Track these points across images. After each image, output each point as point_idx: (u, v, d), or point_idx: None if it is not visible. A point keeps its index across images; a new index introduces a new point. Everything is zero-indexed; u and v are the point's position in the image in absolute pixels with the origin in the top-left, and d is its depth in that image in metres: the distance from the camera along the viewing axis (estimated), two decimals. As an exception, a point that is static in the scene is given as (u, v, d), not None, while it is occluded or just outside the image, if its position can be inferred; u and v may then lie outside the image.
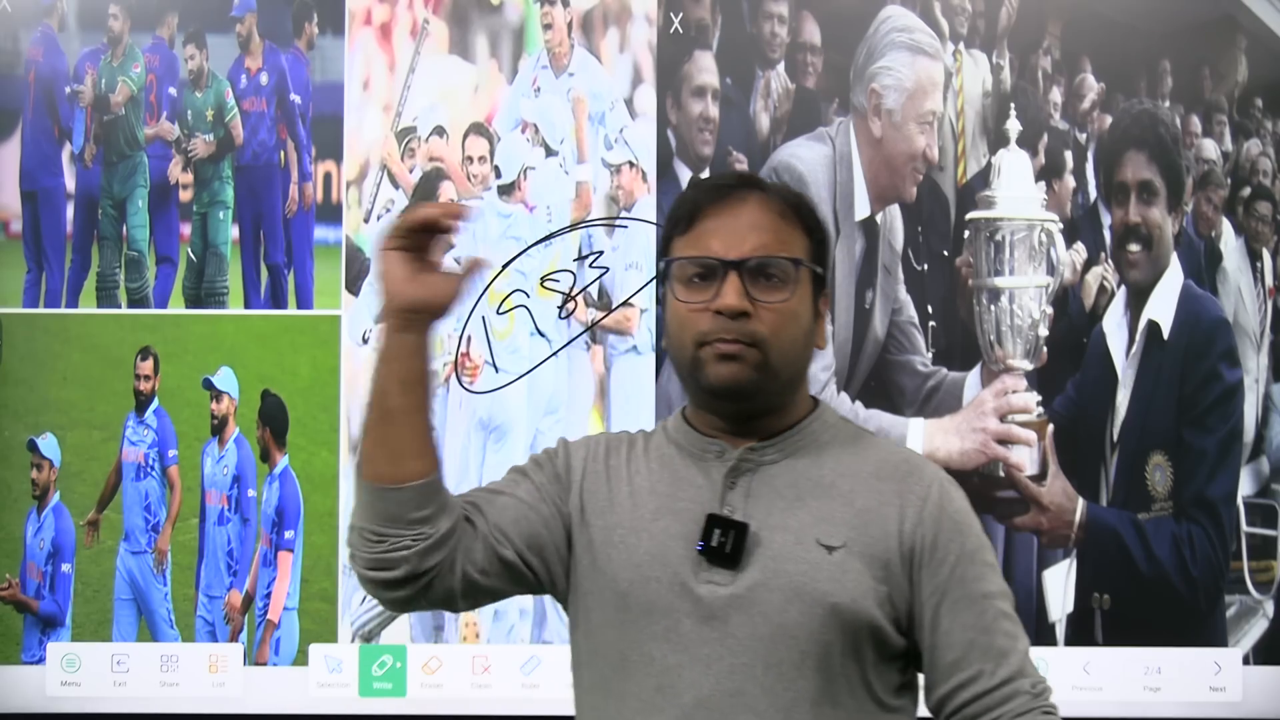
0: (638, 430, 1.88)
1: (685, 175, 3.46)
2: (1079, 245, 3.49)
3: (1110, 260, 3.50)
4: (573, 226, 3.45)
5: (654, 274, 1.88)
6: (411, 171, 3.46)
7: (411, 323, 1.72)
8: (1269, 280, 3.53)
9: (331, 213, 3.48)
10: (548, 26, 3.47)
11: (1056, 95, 3.51)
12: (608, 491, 1.79)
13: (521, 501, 1.79)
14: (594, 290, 3.44)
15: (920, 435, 3.42)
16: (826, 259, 1.82)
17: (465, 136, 3.47)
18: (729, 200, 1.76)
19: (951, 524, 1.74)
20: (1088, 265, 3.49)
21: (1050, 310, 3.46)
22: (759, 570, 1.70)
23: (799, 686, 1.69)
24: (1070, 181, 3.50)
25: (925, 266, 3.49)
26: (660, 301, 1.85)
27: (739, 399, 1.74)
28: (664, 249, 1.81)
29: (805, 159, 3.44)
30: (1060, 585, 3.46)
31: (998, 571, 1.77)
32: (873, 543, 1.72)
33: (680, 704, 1.69)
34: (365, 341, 3.45)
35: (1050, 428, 3.45)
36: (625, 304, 3.40)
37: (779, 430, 1.78)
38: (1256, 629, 3.49)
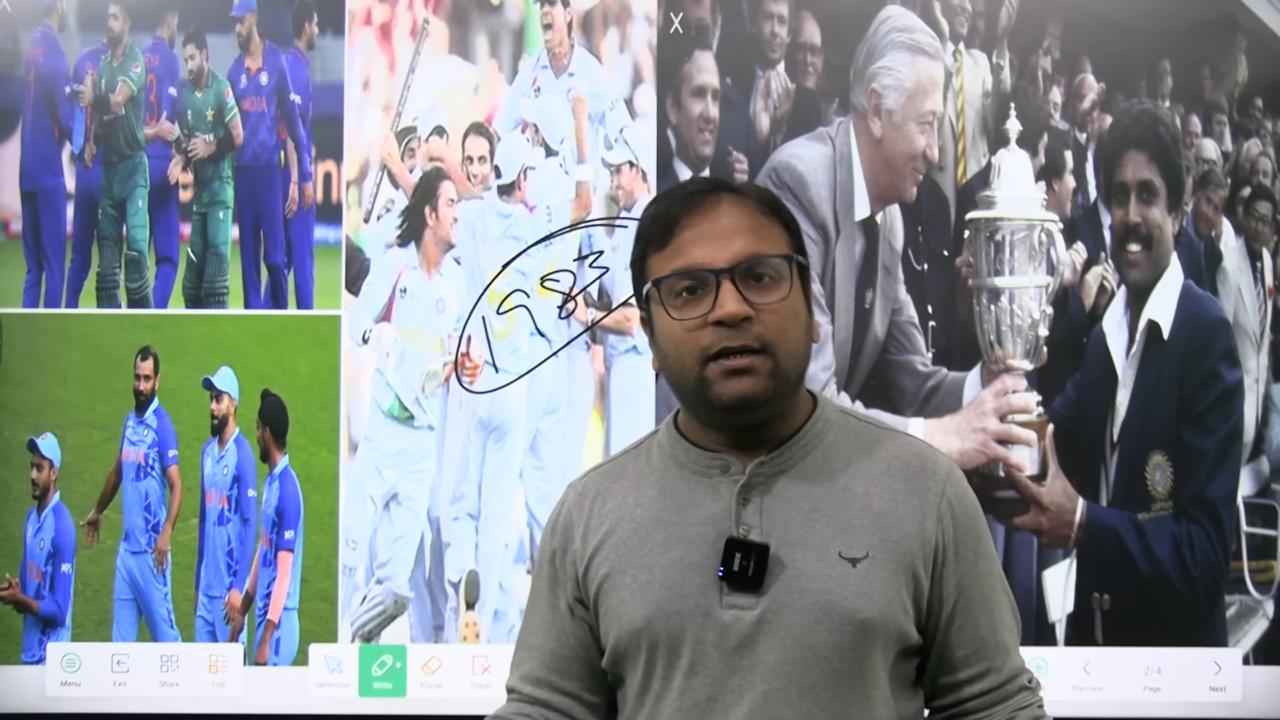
0: (626, 452, 1.83)
1: (685, 175, 3.46)
2: (1079, 245, 3.49)
3: (1110, 260, 3.50)
4: (573, 226, 3.45)
5: (635, 291, 1.78)
6: (411, 171, 3.46)
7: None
8: (1269, 280, 3.53)
9: (331, 213, 3.48)
10: (548, 26, 3.47)
11: (1056, 95, 3.51)
12: (612, 542, 1.75)
13: (561, 645, 1.78)
14: (594, 290, 3.44)
15: (920, 435, 3.41)
16: (805, 252, 1.76)
17: (465, 136, 3.47)
18: (703, 206, 1.70)
19: (968, 520, 1.74)
20: (1088, 265, 3.49)
21: (1050, 310, 3.46)
22: (784, 591, 1.67)
23: (835, 706, 1.67)
24: (1070, 181, 3.50)
25: (925, 266, 3.49)
26: (645, 323, 1.77)
27: (754, 409, 1.69)
28: (639, 267, 1.74)
29: (805, 159, 3.44)
30: (1060, 585, 3.46)
31: (997, 559, 1.79)
32: (894, 546, 1.69)
33: None
34: (365, 341, 3.45)
35: (1050, 428, 3.45)
36: (625, 304, 3.40)
37: (784, 436, 1.73)
38: (1256, 629, 3.49)
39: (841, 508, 1.70)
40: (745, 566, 1.65)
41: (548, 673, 1.79)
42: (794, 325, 1.69)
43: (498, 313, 3.44)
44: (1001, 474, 3.44)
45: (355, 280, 3.46)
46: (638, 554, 1.72)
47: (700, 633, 1.67)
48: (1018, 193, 3.47)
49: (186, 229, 3.50)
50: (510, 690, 1.83)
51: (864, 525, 1.69)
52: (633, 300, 1.82)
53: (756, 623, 1.66)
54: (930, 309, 3.48)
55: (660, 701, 1.70)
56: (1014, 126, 3.48)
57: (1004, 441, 3.43)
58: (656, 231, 1.70)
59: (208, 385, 3.44)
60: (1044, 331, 3.45)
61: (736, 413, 1.69)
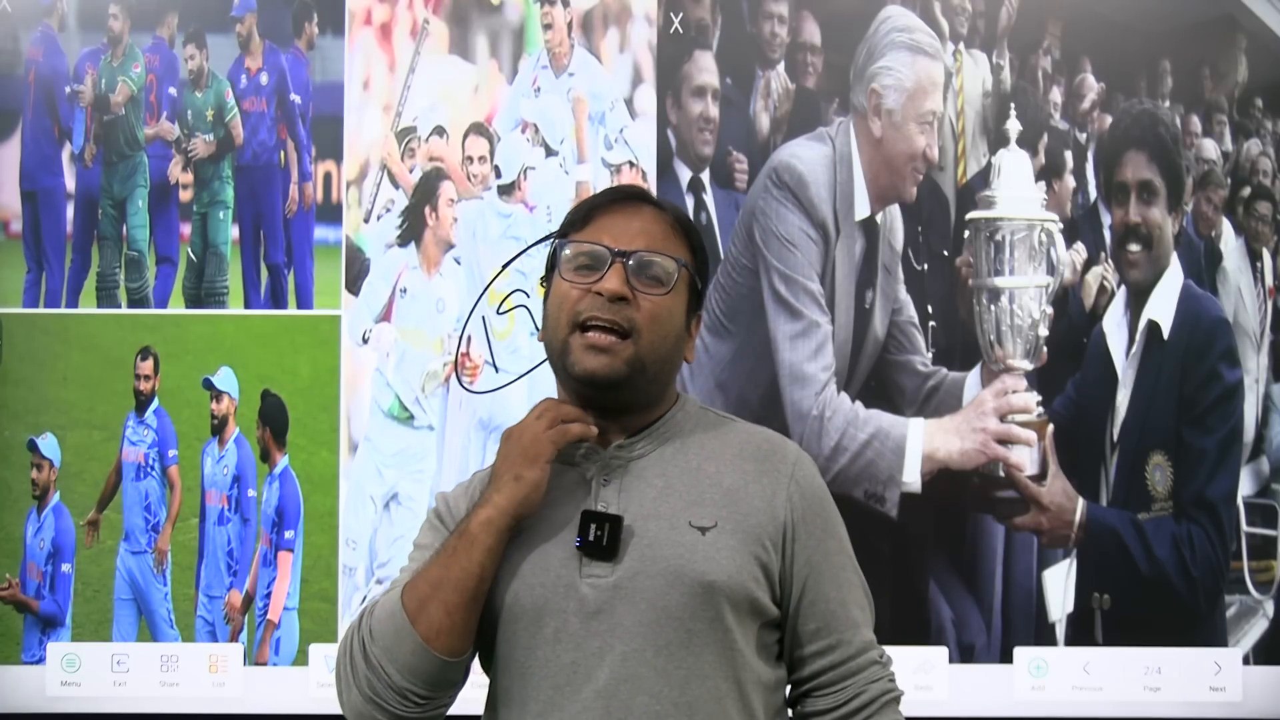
0: None
1: (685, 175, 3.46)
2: (1079, 245, 3.49)
3: (1110, 260, 3.50)
4: (573, 226, 3.44)
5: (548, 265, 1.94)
6: (411, 171, 3.47)
7: (517, 524, 1.80)
8: (1269, 280, 3.53)
9: (331, 213, 3.48)
10: (548, 26, 3.47)
11: (1056, 95, 3.51)
12: None
13: None
14: (594, 290, 3.44)
15: (920, 435, 3.42)
16: (706, 279, 1.92)
17: (465, 136, 3.47)
18: (625, 207, 1.87)
19: (816, 500, 1.86)
20: (1088, 265, 3.50)
21: (1050, 310, 3.46)
22: (637, 559, 1.78)
23: (689, 664, 1.77)
24: (1070, 181, 3.51)
25: (925, 266, 3.49)
26: (546, 295, 1.93)
27: (604, 389, 1.82)
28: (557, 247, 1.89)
29: (805, 159, 3.44)
30: (1060, 585, 3.46)
31: (848, 541, 1.89)
32: (743, 519, 1.81)
33: (579, 698, 1.76)
34: (365, 341, 3.45)
35: (1050, 428, 3.45)
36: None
37: (644, 425, 1.86)
38: (1256, 629, 3.49)
39: (693, 484, 1.83)
40: (600, 536, 1.78)
41: None
42: (665, 323, 1.83)
43: (498, 313, 3.42)
44: (1001, 474, 3.44)
45: (355, 280, 3.46)
46: (512, 535, 1.82)
47: (562, 602, 1.78)
48: (1018, 193, 3.47)
49: (186, 229, 3.50)
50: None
51: (714, 499, 1.82)
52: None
53: (613, 589, 1.77)
54: (930, 309, 3.48)
55: (527, 672, 1.80)
56: (1014, 126, 3.48)
57: (1004, 441, 3.43)
58: (579, 217, 1.89)
59: (208, 385, 3.44)
60: (1044, 331, 3.45)
61: (587, 386, 1.83)
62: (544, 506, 1.82)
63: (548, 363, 1.92)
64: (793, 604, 1.83)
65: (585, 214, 1.88)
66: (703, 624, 1.76)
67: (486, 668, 1.89)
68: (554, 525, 1.82)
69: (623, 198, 1.89)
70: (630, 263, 1.81)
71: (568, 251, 1.85)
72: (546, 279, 1.91)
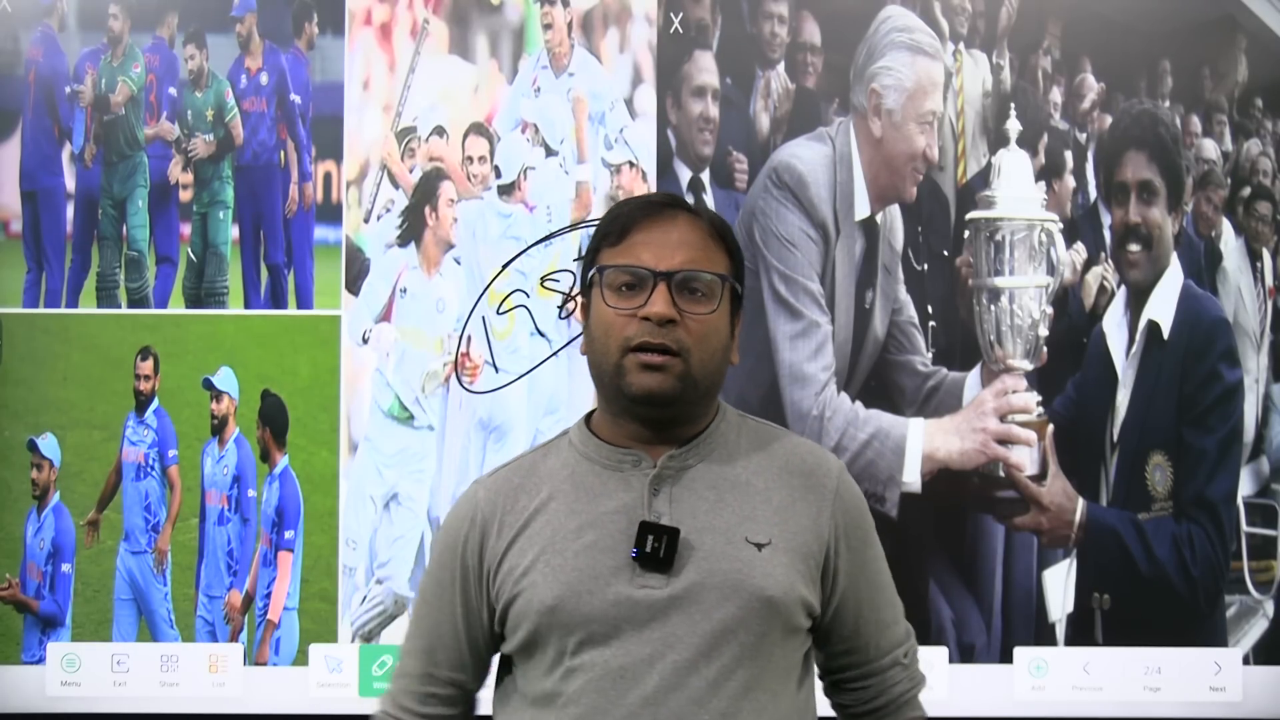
0: (535, 450, 1.95)
1: (685, 175, 3.46)
2: (1079, 245, 3.49)
3: (1110, 260, 3.50)
4: (573, 226, 3.45)
5: (582, 279, 1.95)
6: (411, 171, 3.47)
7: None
8: (1269, 280, 3.53)
9: (331, 213, 3.48)
10: (548, 26, 3.47)
11: (1056, 95, 3.51)
12: (527, 534, 1.85)
13: (453, 637, 1.90)
14: (594, 290, 3.44)
15: (920, 435, 3.42)
16: (743, 281, 1.92)
17: (465, 136, 3.47)
18: (660, 217, 1.86)
19: (857, 512, 1.92)
20: (1088, 265, 3.49)
21: (1050, 310, 3.46)
22: (695, 571, 1.80)
23: (739, 676, 1.79)
24: (1070, 181, 3.50)
25: (925, 266, 3.49)
26: (585, 309, 1.92)
27: (659, 406, 1.83)
28: (591, 258, 1.89)
29: (805, 159, 3.44)
30: (1060, 585, 3.46)
31: (880, 545, 1.95)
32: (793, 537, 1.84)
33: (625, 704, 1.77)
34: (365, 341, 3.45)
35: (1050, 428, 3.45)
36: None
37: (691, 435, 1.87)
38: (1256, 629, 3.49)
39: (745, 499, 1.85)
40: (657, 549, 1.79)
41: (441, 669, 1.92)
42: (713, 338, 1.84)
43: (498, 313, 3.44)
44: (1001, 474, 3.44)
45: (355, 280, 3.46)
46: (551, 543, 1.83)
47: (612, 609, 1.79)
48: (1018, 193, 3.47)
49: (186, 229, 3.50)
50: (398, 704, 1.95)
51: (766, 516, 1.84)
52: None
53: (668, 599, 1.79)
54: (930, 309, 3.48)
55: (571, 675, 1.80)
56: (1014, 126, 3.48)
57: (1004, 441, 3.43)
58: (614, 230, 1.87)
59: (208, 385, 3.44)
60: (1044, 331, 3.45)
61: (643, 404, 1.83)
62: (592, 513, 1.84)
63: (579, 371, 1.93)
64: (831, 609, 1.89)
65: (621, 228, 1.86)
66: (753, 638, 1.80)
67: (512, 665, 1.88)
68: (605, 533, 1.82)
69: (657, 206, 1.88)
70: (673, 282, 1.82)
71: (608, 275, 1.84)
72: (585, 293, 1.90)
